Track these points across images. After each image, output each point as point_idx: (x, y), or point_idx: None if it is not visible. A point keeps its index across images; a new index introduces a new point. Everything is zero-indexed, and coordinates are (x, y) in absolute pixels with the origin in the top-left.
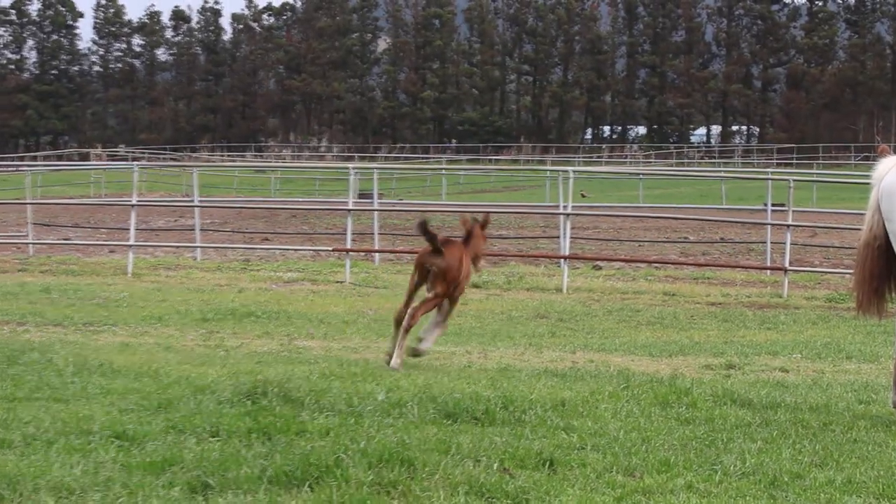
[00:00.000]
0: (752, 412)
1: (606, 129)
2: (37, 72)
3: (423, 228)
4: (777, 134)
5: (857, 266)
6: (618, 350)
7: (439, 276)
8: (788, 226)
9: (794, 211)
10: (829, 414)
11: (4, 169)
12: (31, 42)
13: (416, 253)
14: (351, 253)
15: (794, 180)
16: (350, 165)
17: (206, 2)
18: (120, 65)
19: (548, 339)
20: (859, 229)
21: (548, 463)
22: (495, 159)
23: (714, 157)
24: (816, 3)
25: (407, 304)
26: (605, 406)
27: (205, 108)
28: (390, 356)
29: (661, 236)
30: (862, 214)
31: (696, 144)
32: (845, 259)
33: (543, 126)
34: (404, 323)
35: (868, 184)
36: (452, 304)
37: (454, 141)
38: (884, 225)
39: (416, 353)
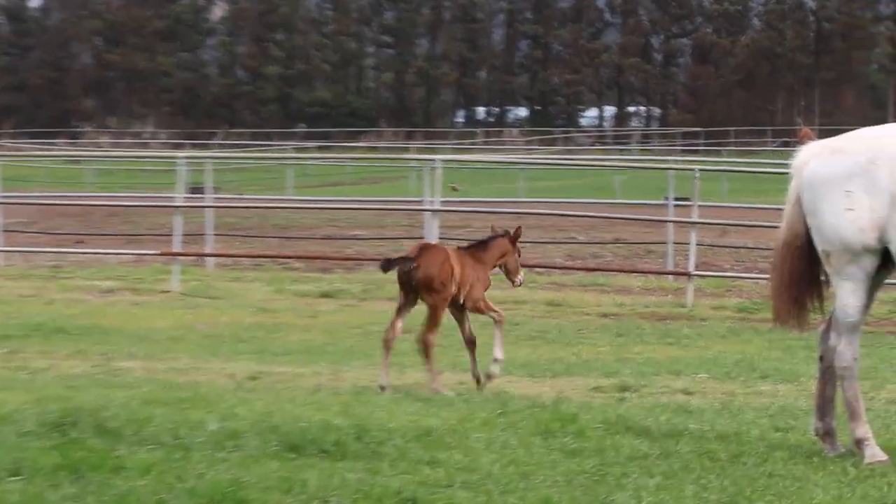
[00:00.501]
0: (649, 442)
1: (481, 110)
2: None
3: (386, 265)
4: (681, 116)
5: (774, 270)
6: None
7: (422, 288)
8: (694, 223)
9: (700, 206)
10: (739, 444)
11: None
12: None
13: (257, 257)
14: (180, 257)
15: (701, 170)
16: (179, 154)
17: None
18: None
19: (411, 357)
20: (777, 227)
21: (410, 503)
22: (351, 146)
23: (607, 144)
24: None
25: (393, 325)
26: (478, 436)
27: (8, 86)
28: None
29: (544, 236)
30: (780, 209)
31: (586, 128)
32: (760, 262)
33: (407, 107)
34: (426, 349)
35: (787, 174)
36: (474, 309)
37: (302, 125)
38: (805, 221)
39: (488, 376)
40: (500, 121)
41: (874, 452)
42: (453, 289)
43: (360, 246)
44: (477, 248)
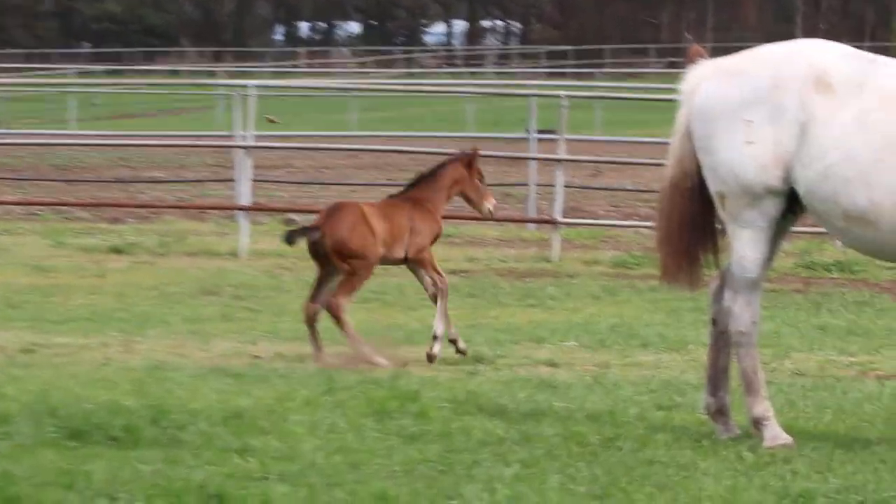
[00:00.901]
0: (506, 424)
1: (304, 26)
2: None
3: (290, 237)
4: (546, 32)
5: (660, 216)
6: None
7: (335, 257)
8: (560, 161)
9: (568, 140)
10: (615, 425)
11: None
12: None
13: (31, 204)
14: None
15: (569, 97)
16: None
17: None
18: None
19: (218, 324)
20: (663, 165)
21: (216, 499)
22: (146, 70)
23: (457, 66)
24: None
25: (312, 299)
26: (298, 418)
27: None
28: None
29: (382, 177)
30: (666, 144)
31: (431, 47)
32: (641, 207)
33: (215, 23)
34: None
35: (675, 101)
36: (423, 269)
37: (87, 44)
38: (696, 158)
39: (429, 357)
40: (328, 39)
41: (775, 434)
42: (379, 250)
43: (158, 191)
44: (417, 188)
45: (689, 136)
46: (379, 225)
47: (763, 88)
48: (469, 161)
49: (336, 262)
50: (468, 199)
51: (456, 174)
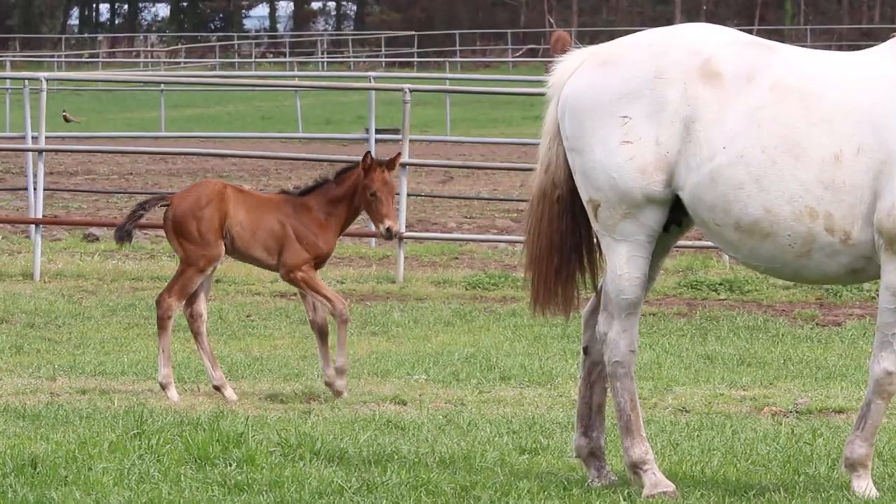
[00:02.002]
0: (345, 471)
1: (104, 9)
2: None
3: (137, 210)
4: (385, 15)
5: (528, 231)
6: (126, 373)
7: (171, 235)
8: (405, 165)
9: (413, 141)
10: (471, 472)
11: None
12: None
13: None
14: None
15: (413, 90)
16: None
17: None
18: None
19: (10, 357)
20: (515, 169)
21: None
22: None
23: (283, 55)
24: None
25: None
26: (105, 466)
27: None
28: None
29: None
30: (526, 144)
31: (252, 34)
32: (499, 218)
33: None
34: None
35: (537, 94)
36: (290, 280)
37: None
38: (566, 161)
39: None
40: (132, 24)
41: (656, 480)
42: (222, 242)
43: None
44: (310, 191)
45: (558, 136)
46: (238, 213)
47: (642, 79)
48: (369, 167)
49: (172, 243)
50: (368, 211)
51: (353, 183)
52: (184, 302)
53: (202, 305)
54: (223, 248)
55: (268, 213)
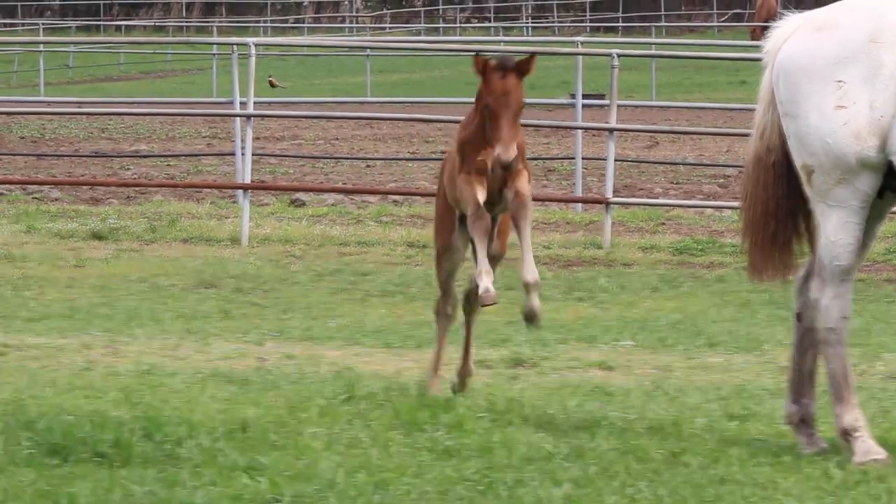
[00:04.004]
0: (554, 437)
1: None
2: None
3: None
4: None
5: (744, 197)
6: (334, 339)
7: None
8: (611, 130)
9: (621, 106)
10: (680, 438)
11: None
12: None
13: None
14: None
15: (621, 55)
16: None
17: None
18: None
19: (218, 322)
20: (721, 134)
21: None
22: (126, 26)
23: (488, 20)
24: None
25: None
26: (314, 431)
27: None
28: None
29: (402, 150)
30: (734, 109)
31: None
32: (705, 184)
33: None
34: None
35: (740, 59)
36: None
37: None
38: (781, 127)
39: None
40: None
41: (868, 448)
42: None
43: (144, 167)
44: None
45: (773, 102)
46: None
47: (857, 43)
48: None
49: None
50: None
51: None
52: None
53: None
54: None
55: None
